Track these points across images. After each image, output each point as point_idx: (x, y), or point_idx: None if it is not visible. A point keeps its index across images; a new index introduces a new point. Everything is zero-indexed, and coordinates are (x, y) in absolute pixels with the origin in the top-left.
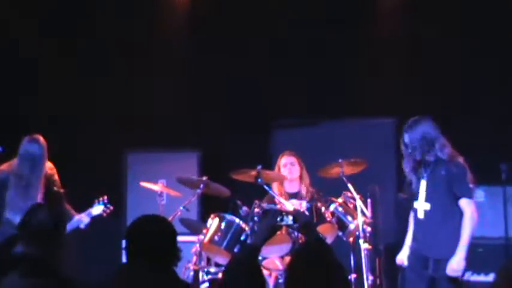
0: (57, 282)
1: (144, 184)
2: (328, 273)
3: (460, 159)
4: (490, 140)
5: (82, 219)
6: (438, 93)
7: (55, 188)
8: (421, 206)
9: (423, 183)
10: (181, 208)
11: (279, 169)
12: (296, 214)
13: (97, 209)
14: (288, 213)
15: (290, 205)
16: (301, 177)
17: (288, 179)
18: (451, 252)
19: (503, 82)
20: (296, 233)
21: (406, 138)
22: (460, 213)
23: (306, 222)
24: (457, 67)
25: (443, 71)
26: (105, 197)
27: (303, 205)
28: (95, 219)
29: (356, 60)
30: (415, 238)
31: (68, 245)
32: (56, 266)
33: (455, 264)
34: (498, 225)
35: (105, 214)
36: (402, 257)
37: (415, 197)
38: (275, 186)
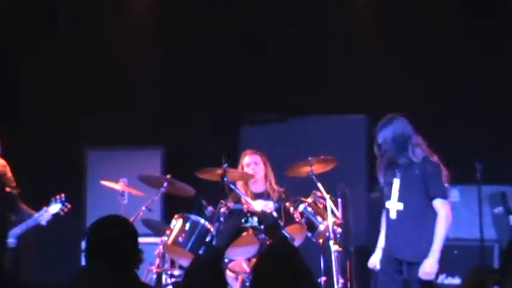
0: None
1: (104, 183)
2: (295, 276)
3: (435, 158)
4: (465, 138)
5: (40, 217)
6: (412, 89)
7: (8, 187)
8: (394, 205)
9: (396, 182)
10: (143, 208)
11: (242, 168)
12: (261, 215)
13: (54, 208)
14: (253, 214)
15: (257, 205)
16: (266, 177)
17: (254, 178)
18: (425, 254)
19: (480, 79)
20: (263, 235)
21: (380, 138)
22: (434, 214)
23: (272, 224)
24: (431, 63)
25: (418, 67)
26: (63, 195)
27: (270, 205)
28: (53, 218)
29: (326, 56)
30: (387, 240)
31: (26, 245)
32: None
33: (428, 267)
34: (473, 226)
35: (62, 213)
36: (374, 260)
37: (387, 196)
38: (240, 185)
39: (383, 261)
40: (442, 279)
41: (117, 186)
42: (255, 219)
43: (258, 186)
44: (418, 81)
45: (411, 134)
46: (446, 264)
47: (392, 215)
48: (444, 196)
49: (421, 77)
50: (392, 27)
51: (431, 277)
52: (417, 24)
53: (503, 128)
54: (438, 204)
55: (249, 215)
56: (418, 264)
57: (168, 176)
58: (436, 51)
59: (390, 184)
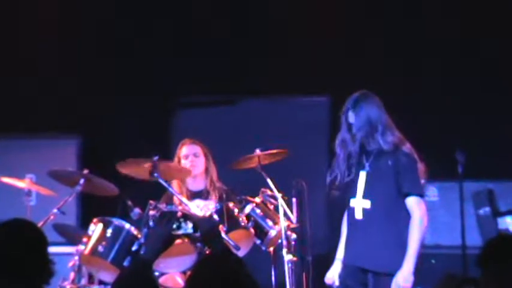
0: None
1: (5, 180)
2: None
3: (408, 147)
4: (444, 125)
5: None
6: (380, 69)
7: None
8: (359, 203)
9: (362, 175)
10: (55, 211)
11: (179, 161)
12: (197, 219)
13: None
14: (187, 218)
15: (195, 207)
16: (206, 171)
17: (192, 173)
18: (396, 264)
19: (463, 58)
20: (200, 243)
21: (352, 117)
22: (407, 215)
23: (209, 230)
24: (404, 44)
25: (386, 46)
26: None
27: (210, 206)
28: None
29: (273, 26)
30: (349, 245)
31: None
32: None
33: (402, 280)
34: (454, 231)
35: None
36: (333, 275)
37: (351, 192)
38: (175, 183)
39: (343, 274)
40: None
41: (22, 184)
42: (189, 224)
43: (197, 183)
44: (389, 60)
45: (383, 116)
46: (421, 277)
47: (358, 215)
48: (419, 193)
49: (401, 57)
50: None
51: None
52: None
53: (490, 114)
54: (412, 202)
55: (182, 219)
56: (386, 275)
57: (85, 172)
58: (415, 31)
59: (355, 178)
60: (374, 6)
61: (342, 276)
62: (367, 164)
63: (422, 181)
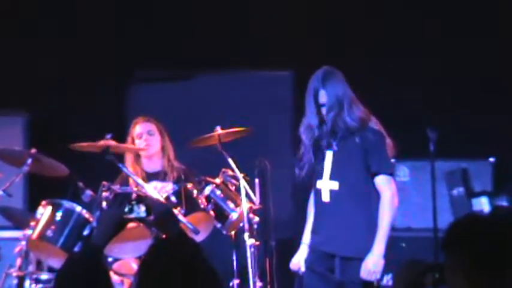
0: None
1: None
2: (193, 281)
3: (375, 122)
4: (414, 99)
5: None
6: (344, 39)
7: None
8: (326, 185)
9: (329, 155)
10: (0, 193)
11: (133, 140)
12: (150, 202)
13: None
14: (139, 201)
15: (151, 188)
16: (163, 150)
17: (147, 152)
18: (365, 247)
19: (429, 36)
20: (154, 228)
21: (324, 97)
22: (377, 195)
23: (162, 213)
24: (374, 17)
25: (350, 13)
26: None
27: (168, 188)
28: None
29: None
30: (316, 229)
31: None
32: None
33: (371, 264)
34: (425, 213)
35: None
36: (298, 260)
37: (318, 174)
38: (129, 163)
39: (310, 259)
40: (388, 280)
41: None
42: (142, 208)
43: (153, 164)
44: (353, 29)
45: (348, 91)
46: (391, 262)
47: (325, 198)
48: (389, 172)
49: (370, 30)
50: None
51: (376, 276)
52: None
53: (464, 89)
54: (382, 182)
55: (134, 202)
56: (355, 259)
57: (33, 151)
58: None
59: (322, 158)
60: None
61: (308, 262)
62: (334, 143)
63: (392, 160)
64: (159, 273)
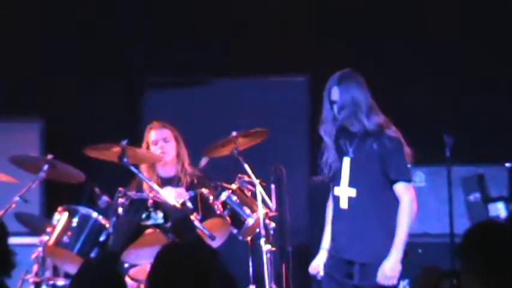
0: None
1: None
2: (204, 285)
3: (393, 130)
4: (431, 105)
5: None
6: (361, 45)
7: None
8: (344, 192)
9: (346, 162)
10: (16, 199)
11: (148, 146)
12: (168, 209)
13: None
14: (157, 207)
15: (168, 195)
16: (178, 157)
17: (163, 160)
18: (383, 253)
19: (446, 42)
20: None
21: (336, 95)
22: (395, 201)
23: (180, 220)
24: (391, 23)
25: (369, 25)
26: None
27: (183, 194)
28: None
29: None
30: (335, 236)
31: None
32: None
33: (389, 270)
34: (442, 218)
35: None
36: (317, 264)
37: (335, 180)
38: (144, 169)
39: (328, 265)
40: (404, 285)
41: None
42: (160, 214)
43: (168, 170)
44: (383, 40)
45: (368, 97)
46: (408, 267)
47: (343, 204)
48: (408, 179)
49: (389, 36)
50: None
51: (393, 282)
52: None
53: (479, 95)
54: (400, 189)
55: (151, 209)
56: (374, 266)
57: (50, 157)
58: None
59: (339, 164)
60: None
61: (327, 267)
62: (350, 150)
63: (409, 165)
64: (166, 277)
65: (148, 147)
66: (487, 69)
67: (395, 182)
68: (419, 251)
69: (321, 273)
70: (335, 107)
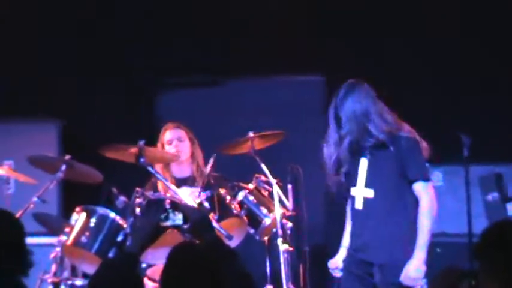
0: None
1: None
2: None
3: (408, 129)
4: (448, 105)
5: None
6: (376, 46)
7: None
8: (361, 192)
9: (363, 162)
10: (35, 199)
11: (163, 147)
12: (186, 209)
13: None
14: (176, 208)
15: (185, 195)
16: (192, 157)
17: (179, 158)
18: (402, 255)
19: (462, 40)
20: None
21: (342, 113)
22: (414, 202)
23: (199, 221)
24: (408, 21)
25: (386, 24)
26: None
27: (199, 194)
28: None
29: (272, 7)
30: (351, 236)
31: None
32: None
33: (414, 270)
34: (460, 218)
35: None
36: (336, 260)
37: (352, 180)
38: (159, 168)
39: (347, 261)
40: (421, 286)
41: (0, 171)
42: (179, 215)
43: (183, 169)
44: (400, 39)
45: (372, 105)
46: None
47: (359, 205)
48: (426, 178)
49: (406, 36)
50: None
51: (419, 283)
52: None
53: (497, 94)
54: (420, 188)
55: (170, 209)
56: (393, 267)
57: (67, 157)
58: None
59: (356, 165)
60: None
61: (345, 263)
62: (367, 151)
63: (427, 165)
64: (178, 277)
65: (163, 148)
66: (505, 68)
67: (414, 181)
68: (438, 250)
69: (340, 267)
70: (342, 127)
